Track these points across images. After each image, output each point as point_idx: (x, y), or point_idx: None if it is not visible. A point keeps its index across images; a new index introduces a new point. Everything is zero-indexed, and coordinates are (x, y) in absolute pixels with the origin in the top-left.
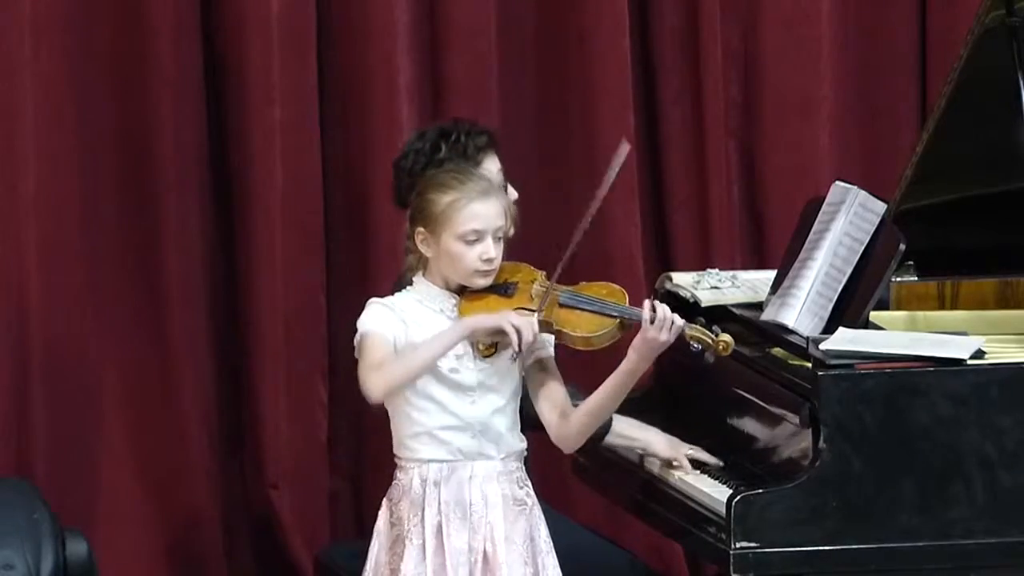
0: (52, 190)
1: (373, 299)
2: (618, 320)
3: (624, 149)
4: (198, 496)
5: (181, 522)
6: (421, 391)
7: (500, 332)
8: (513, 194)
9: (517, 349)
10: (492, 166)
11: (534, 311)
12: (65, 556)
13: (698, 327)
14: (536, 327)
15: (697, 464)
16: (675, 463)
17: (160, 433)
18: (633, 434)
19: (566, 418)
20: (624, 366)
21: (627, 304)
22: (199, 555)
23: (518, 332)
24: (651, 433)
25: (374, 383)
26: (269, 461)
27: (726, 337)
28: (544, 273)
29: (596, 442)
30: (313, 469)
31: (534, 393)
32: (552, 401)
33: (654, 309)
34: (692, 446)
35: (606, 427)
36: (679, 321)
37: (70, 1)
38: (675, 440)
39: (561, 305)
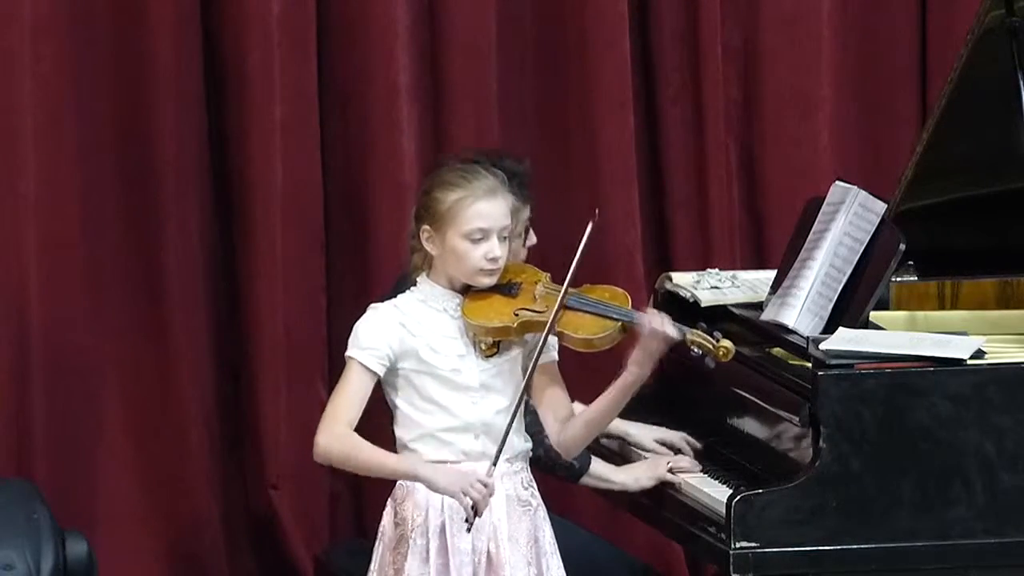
0: (52, 190)
1: (373, 305)
2: (620, 323)
3: (591, 225)
4: (198, 496)
5: (181, 522)
6: (423, 393)
7: (452, 495)
8: (532, 239)
9: (468, 521)
10: (524, 213)
11: (540, 312)
12: (65, 556)
13: (699, 332)
14: (490, 494)
15: (680, 471)
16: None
17: (160, 433)
18: (611, 477)
19: (566, 425)
20: (625, 378)
21: (629, 307)
22: (199, 555)
23: (472, 502)
24: (629, 474)
25: (321, 443)
26: (269, 461)
27: (727, 343)
28: (549, 275)
29: (572, 482)
30: (313, 469)
31: (537, 398)
32: (554, 407)
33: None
34: (668, 459)
35: (583, 469)
36: (671, 331)
37: (70, 1)
38: (650, 463)
39: (564, 307)
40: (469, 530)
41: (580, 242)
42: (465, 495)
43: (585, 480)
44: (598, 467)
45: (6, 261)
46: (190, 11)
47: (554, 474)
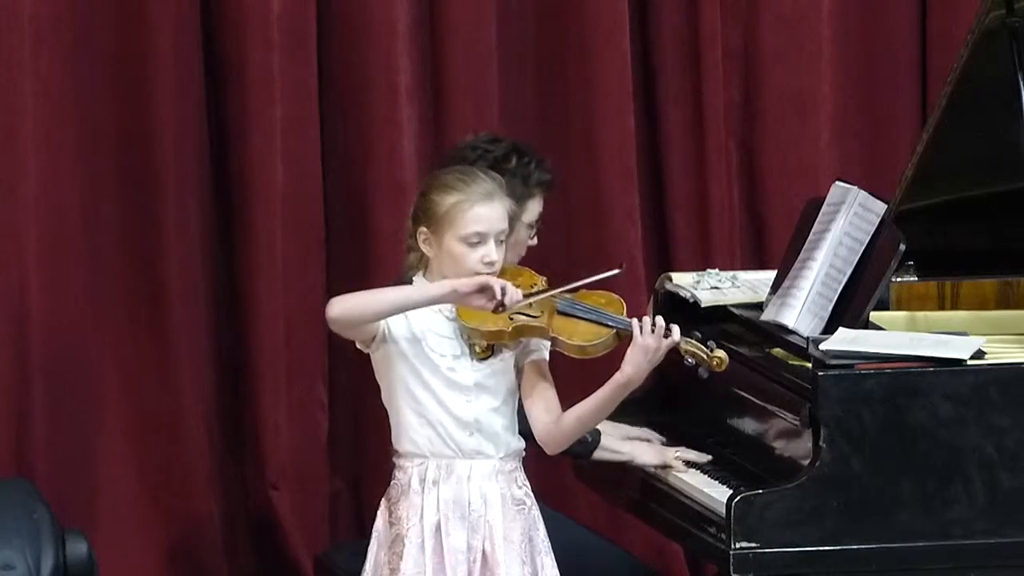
0: (52, 190)
1: None
2: (614, 330)
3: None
4: (198, 496)
5: (181, 522)
6: (422, 386)
7: (485, 287)
8: (532, 242)
9: (500, 303)
10: (536, 207)
11: (535, 317)
12: (65, 556)
13: (694, 342)
14: (520, 294)
15: (687, 463)
16: (668, 466)
17: (160, 433)
18: (618, 447)
19: (556, 421)
20: (618, 377)
21: (625, 314)
22: (199, 555)
23: (503, 289)
24: (637, 446)
25: (336, 302)
26: (269, 461)
27: (720, 353)
28: (545, 279)
29: (585, 458)
30: (313, 469)
31: (526, 394)
32: (544, 403)
33: (642, 322)
34: (678, 448)
35: (595, 443)
36: (675, 333)
37: (70, 1)
38: (659, 447)
39: (559, 312)
40: (497, 310)
41: (596, 276)
42: (498, 282)
43: (597, 454)
44: (606, 439)
45: (6, 261)
46: (190, 11)
47: (568, 452)
